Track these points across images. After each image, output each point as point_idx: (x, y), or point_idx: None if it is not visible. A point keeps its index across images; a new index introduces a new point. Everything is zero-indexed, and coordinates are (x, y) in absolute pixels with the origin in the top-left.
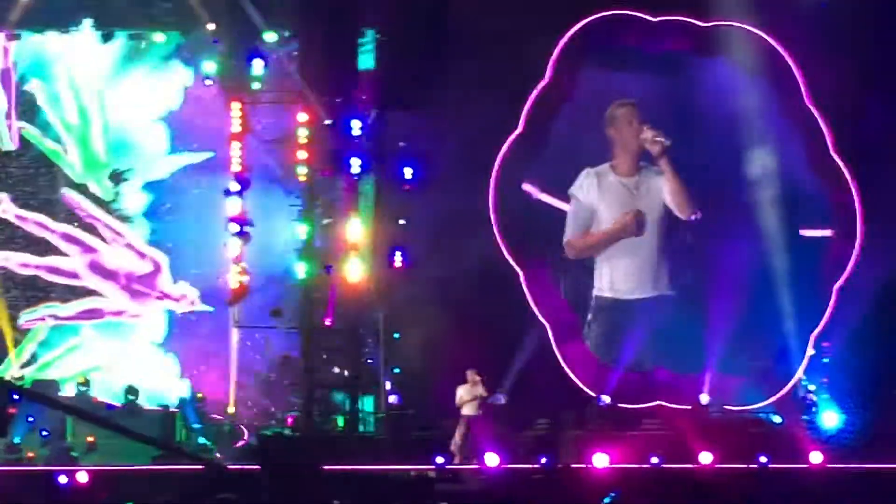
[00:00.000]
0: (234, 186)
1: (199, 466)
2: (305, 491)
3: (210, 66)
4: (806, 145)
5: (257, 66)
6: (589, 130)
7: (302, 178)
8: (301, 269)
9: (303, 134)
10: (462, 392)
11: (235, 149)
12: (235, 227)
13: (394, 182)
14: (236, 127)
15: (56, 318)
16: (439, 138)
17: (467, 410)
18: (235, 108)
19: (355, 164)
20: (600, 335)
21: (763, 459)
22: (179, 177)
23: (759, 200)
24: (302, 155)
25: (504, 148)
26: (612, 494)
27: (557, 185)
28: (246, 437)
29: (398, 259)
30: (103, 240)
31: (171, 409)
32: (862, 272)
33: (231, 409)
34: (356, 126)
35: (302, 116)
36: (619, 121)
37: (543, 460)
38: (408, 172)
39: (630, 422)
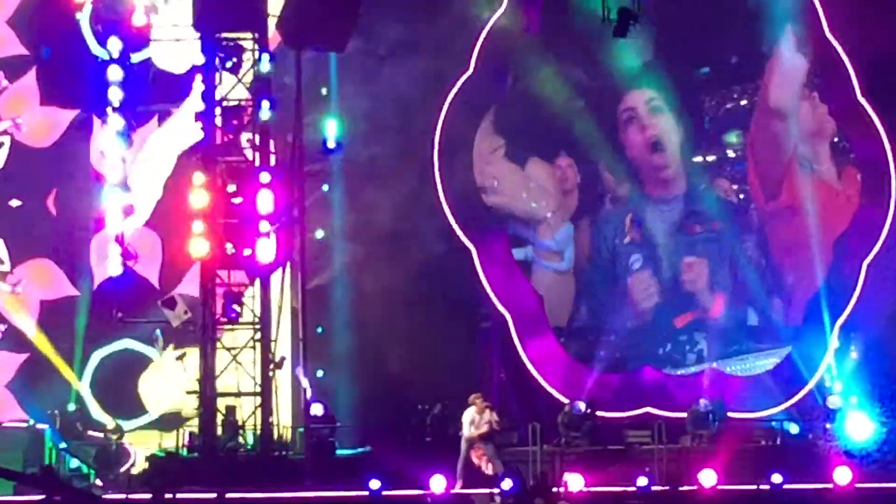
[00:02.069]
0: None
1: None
2: None
3: None
4: (826, 86)
5: None
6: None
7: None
8: (199, 247)
9: (198, 77)
10: (468, 420)
11: (114, 93)
12: (117, 195)
13: (313, 138)
14: (115, 75)
15: None
16: (366, 83)
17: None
18: (113, 45)
19: (265, 110)
20: None
21: (777, 478)
22: None
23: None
24: (196, 105)
25: (452, 93)
26: None
27: (527, 141)
28: (133, 458)
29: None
30: None
31: (38, 426)
32: None
33: (111, 425)
34: (265, 65)
35: (197, 59)
36: None
37: (508, 483)
38: (330, 127)
39: (612, 434)
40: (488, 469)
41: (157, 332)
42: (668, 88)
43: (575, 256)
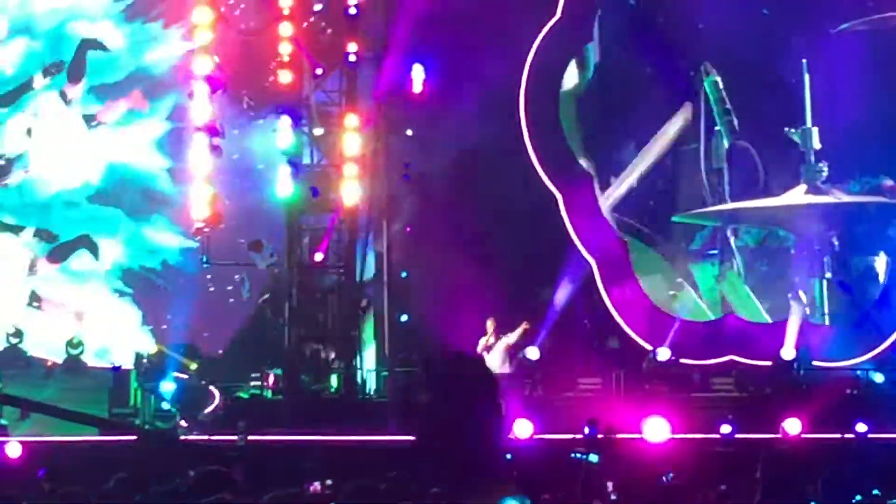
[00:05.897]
0: (202, 88)
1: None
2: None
3: None
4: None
5: None
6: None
7: (285, 79)
8: (286, 192)
9: (287, 22)
10: (481, 349)
11: (205, 39)
12: (203, 140)
13: (400, 82)
14: (205, 12)
15: None
16: (457, 26)
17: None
18: None
19: (352, 51)
20: None
21: (861, 428)
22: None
23: None
24: (286, 48)
25: (539, 38)
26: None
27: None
28: (217, 400)
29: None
30: None
31: (124, 368)
32: None
33: (193, 366)
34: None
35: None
36: None
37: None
38: (417, 71)
39: (694, 381)
40: None
41: (244, 275)
42: None
43: None
